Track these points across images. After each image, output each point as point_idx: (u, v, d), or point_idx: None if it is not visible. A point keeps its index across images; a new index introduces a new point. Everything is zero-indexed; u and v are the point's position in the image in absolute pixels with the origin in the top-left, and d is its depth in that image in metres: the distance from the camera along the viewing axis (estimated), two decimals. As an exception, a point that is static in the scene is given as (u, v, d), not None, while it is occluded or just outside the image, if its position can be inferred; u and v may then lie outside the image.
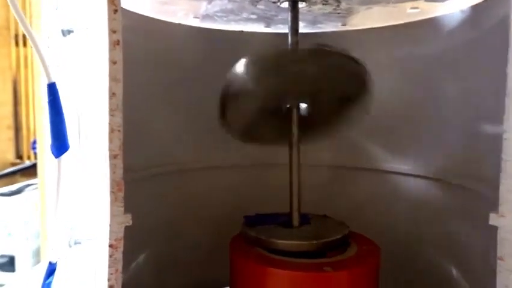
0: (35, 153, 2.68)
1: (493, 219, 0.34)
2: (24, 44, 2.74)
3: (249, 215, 0.53)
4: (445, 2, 0.50)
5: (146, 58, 0.57)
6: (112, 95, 0.33)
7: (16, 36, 2.78)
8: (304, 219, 0.53)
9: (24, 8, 2.48)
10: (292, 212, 0.51)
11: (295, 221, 0.51)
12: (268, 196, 0.62)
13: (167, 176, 0.63)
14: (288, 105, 0.52)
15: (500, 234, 0.34)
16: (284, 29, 0.55)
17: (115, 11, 0.32)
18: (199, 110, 0.65)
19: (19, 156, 2.93)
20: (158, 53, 0.60)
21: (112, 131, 0.33)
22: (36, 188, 1.85)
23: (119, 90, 0.33)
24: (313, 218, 0.54)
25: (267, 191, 0.64)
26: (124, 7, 0.52)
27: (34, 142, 2.62)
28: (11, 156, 2.89)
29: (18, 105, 2.90)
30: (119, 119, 0.33)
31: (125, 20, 0.49)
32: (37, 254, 1.80)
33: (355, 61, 0.52)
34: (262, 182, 0.67)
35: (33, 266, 1.74)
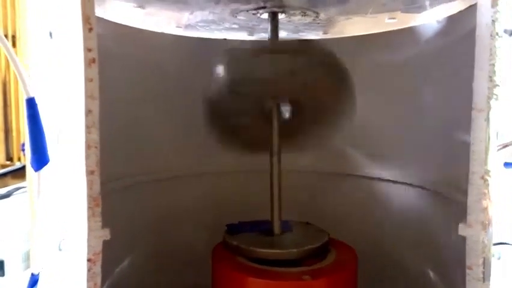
0: (25, 155, 2.66)
1: (462, 229, 0.36)
2: (14, 45, 2.72)
3: (232, 223, 0.54)
4: (421, 14, 0.51)
5: (128, 65, 0.58)
6: (88, 112, 0.34)
7: (5, 37, 2.76)
8: (286, 226, 0.53)
9: (14, 7, 2.47)
10: (273, 220, 0.52)
11: (277, 229, 0.52)
12: (252, 202, 0.62)
13: (151, 184, 0.64)
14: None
15: (469, 244, 0.35)
16: (266, 36, 0.55)
17: (90, 29, 0.33)
18: (182, 117, 0.65)
19: (9, 158, 2.91)
20: (141, 59, 0.61)
21: (88, 147, 0.34)
22: (25, 191, 1.84)
23: (95, 107, 0.34)
24: (294, 226, 0.55)
25: (251, 197, 0.65)
26: (106, 18, 0.53)
27: (23, 144, 2.60)
28: (1, 158, 2.86)
29: (7, 107, 2.87)
30: (95, 136, 0.34)
31: (107, 29, 0.50)
32: (27, 257, 1.79)
33: (339, 65, 0.53)
34: (246, 188, 0.68)
35: (23, 270, 1.73)
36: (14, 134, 2.89)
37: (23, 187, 1.95)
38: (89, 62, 0.33)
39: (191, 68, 0.66)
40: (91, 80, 0.33)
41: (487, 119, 0.34)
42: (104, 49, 0.35)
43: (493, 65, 0.33)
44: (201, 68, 0.67)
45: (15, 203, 1.88)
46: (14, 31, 2.57)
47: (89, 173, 0.34)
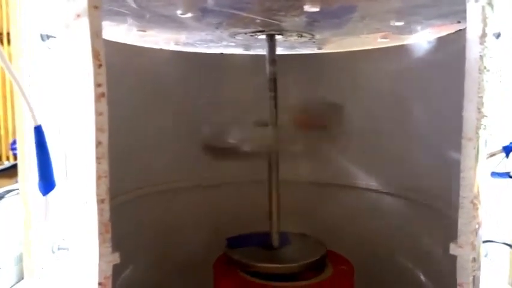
0: (14, 154, 2.63)
1: (453, 249, 0.38)
2: (8, 43, 2.67)
3: (232, 236, 0.56)
4: (412, 35, 0.53)
5: (128, 79, 0.59)
6: (98, 144, 0.35)
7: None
8: (285, 239, 0.55)
9: (7, 4, 2.42)
10: (272, 233, 0.54)
11: (275, 242, 0.54)
12: (251, 212, 0.64)
13: (150, 197, 0.65)
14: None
15: (459, 263, 0.38)
16: (262, 51, 0.57)
17: (100, 65, 0.34)
18: (181, 129, 0.67)
19: (-2, 157, 2.88)
20: (141, 74, 0.62)
21: (99, 178, 0.35)
22: (18, 193, 1.83)
23: (105, 139, 0.35)
24: (293, 238, 0.57)
25: (251, 207, 0.67)
26: (108, 39, 0.53)
27: (13, 143, 2.57)
28: (-11, 157, 2.83)
29: (-5, 105, 2.84)
30: (105, 166, 0.35)
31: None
32: (20, 260, 1.78)
33: None
34: (245, 198, 0.70)
35: (16, 274, 1.73)
36: (2, 132, 2.86)
37: (16, 189, 1.94)
38: (98, 97, 0.34)
39: (190, 82, 0.68)
40: (101, 114, 0.35)
41: (476, 147, 0.36)
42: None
43: (481, 97, 0.35)
44: (199, 81, 0.69)
45: (7, 206, 1.86)
46: (8, 29, 2.54)
47: (100, 201, 0.35)
